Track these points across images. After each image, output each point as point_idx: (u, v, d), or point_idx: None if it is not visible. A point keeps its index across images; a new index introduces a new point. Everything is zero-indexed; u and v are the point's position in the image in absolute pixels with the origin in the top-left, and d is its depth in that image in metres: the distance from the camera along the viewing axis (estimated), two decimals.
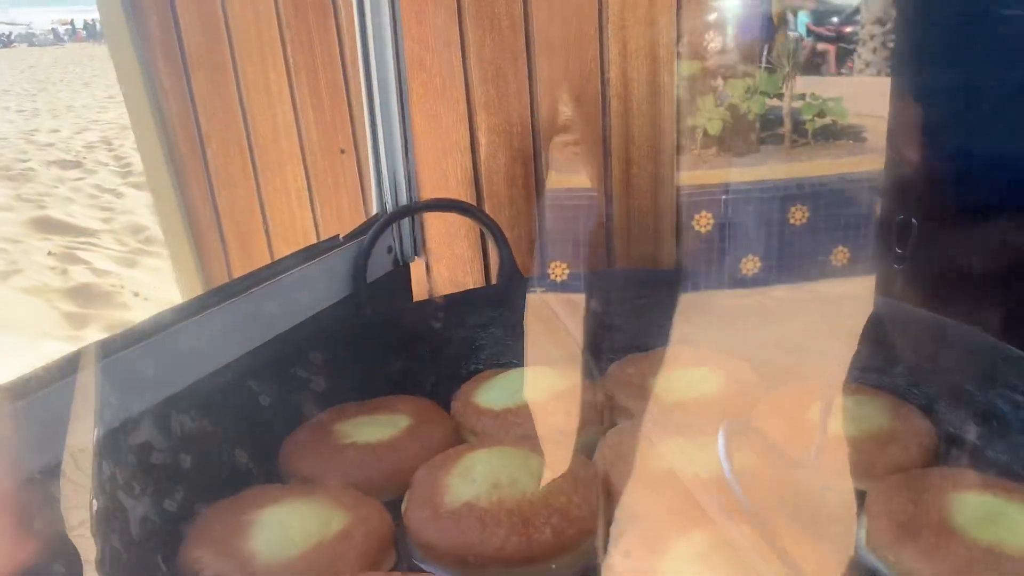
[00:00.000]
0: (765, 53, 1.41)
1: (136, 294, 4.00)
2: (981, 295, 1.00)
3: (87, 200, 6.01)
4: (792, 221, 1.34)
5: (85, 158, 7.69)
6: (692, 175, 1.33)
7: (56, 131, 9.42)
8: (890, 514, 0.74)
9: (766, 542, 0.68)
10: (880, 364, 1.00)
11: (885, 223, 1.16)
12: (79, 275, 4.24)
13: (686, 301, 1.23)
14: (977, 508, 0.74)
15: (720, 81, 1.33)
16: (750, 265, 1.34)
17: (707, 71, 1.31)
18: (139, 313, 3.67)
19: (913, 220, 1.12)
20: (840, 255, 1.36)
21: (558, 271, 1.29)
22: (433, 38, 1.31)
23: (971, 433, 0.89)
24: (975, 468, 0.85)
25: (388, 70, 1.15)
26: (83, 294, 3.97)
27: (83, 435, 0.70)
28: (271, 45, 1.44)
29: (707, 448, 0.85)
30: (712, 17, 1.33)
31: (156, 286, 4.07)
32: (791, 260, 1.35)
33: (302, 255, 1.04)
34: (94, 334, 3.40)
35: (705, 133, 1.32)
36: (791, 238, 1.34)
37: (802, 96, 1.38)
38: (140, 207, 5.67)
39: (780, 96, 1.38)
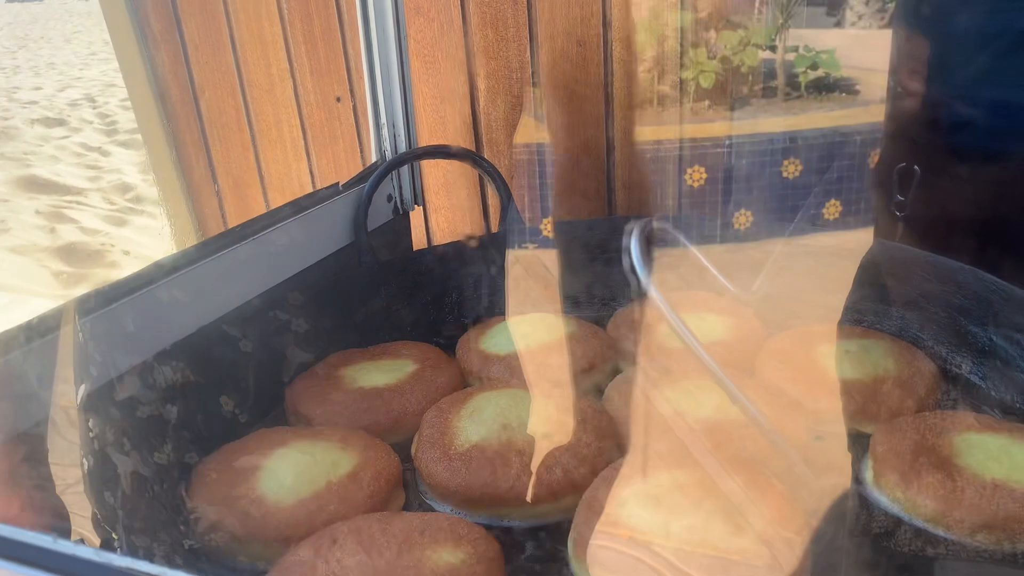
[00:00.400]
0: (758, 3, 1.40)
1: (126, 252, 3.98)
2: (982, 238, 1.00)
3: (73, 158, 5.94)
4: (785, 175, 1.33)
5: (69, 116, 7.59)
6: (683, 129, 1.32)
7: (39, 88, 9.27)
8: (897, 455, 0.75)
9: (739, 484, 0.69)
10: (882, 307, 1.00)
11: (886, 171, 1.16)
12: (68, 234, 4.21)
13: (676, 255, 1.22)
14: (982, 447, 0.75)
15: (713, 33, 1.31)
16: (742, 219, 1.34)
17: (699, 23, 1.30)
18: (129, 272, 3.65)
19: (915, 167, 1.12)
20: (832, 208, 1.36)
21: (550, 227, 1.28)
22: None
23: (975, 373, 0.90)
24: (979, 407, 0.86)
25: (387, 15, 1.12)
26: (72, 253, 3.95)
27: (79, 386, 0.70)
28: None
29: (705, 392, 0.85)
30: None
31: (146, 244, 4.05)
32: (784, 214, 1.36)
33: (303, 203, 1.03)
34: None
35: (698, 86, 1.31)
36: (784, 192, 1.34)
37: (795, 48, 1.37)
38: (127, 166, 5.62)
39: (773, 48, 1.37)
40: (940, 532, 0.69)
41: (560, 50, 1.26)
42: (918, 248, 1.01)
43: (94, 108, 7.90)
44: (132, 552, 0.65)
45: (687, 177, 1.31)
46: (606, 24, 1.23)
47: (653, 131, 1.31)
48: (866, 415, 0.84)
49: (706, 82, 1.31)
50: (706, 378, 0.89)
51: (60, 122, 7.30)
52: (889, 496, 0.74)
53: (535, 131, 1.33)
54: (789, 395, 0.87)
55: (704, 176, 1.32)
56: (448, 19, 1.30)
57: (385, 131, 1.18)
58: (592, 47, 1.24)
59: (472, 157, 1.21)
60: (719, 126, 1.33)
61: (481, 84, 1.32)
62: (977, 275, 0.89)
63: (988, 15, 1.02)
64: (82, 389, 0.71)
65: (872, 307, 1.01)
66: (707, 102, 1.34)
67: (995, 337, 0.88)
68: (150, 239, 4.11)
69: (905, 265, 0.99)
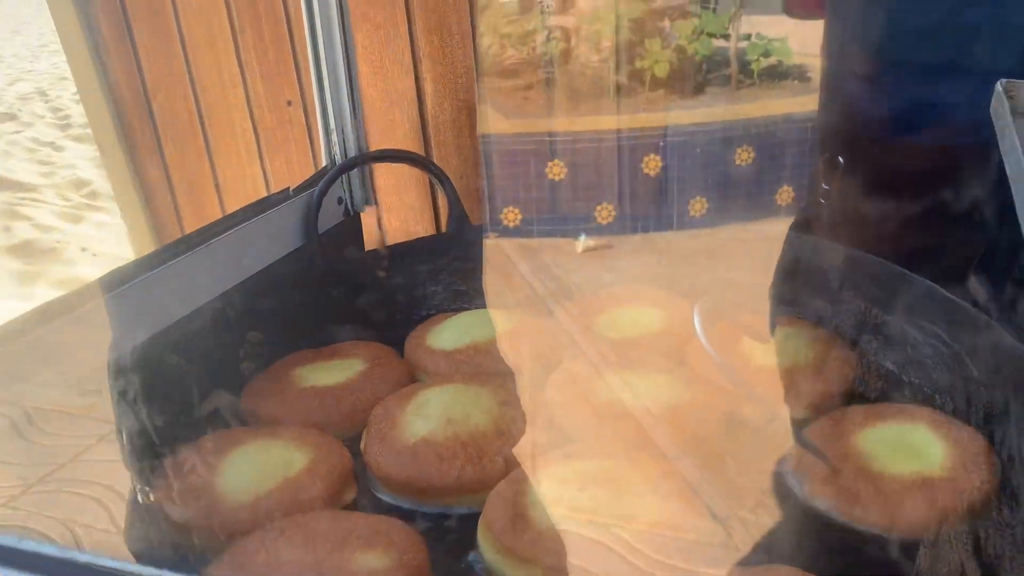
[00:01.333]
0: None
1: (83, 249, 3.94)
2: (898, 231, 1.06)
3: (25, 154, 5.83)
4: (738, 162, 1.38)
5: (20, 110, 7.43)
6: (639, 118, 1.35)
7: None
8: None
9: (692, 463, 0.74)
10: (804, 298, 1.06)
11: (816, 160, 1.21)
12: (22, 231, 4.15)
13: (634, 243, 1.27)
14: (883, 438, 0.80)
15: (667, 22, 1.35)
16: (698, 207, 1.38)
17: (653, 12, 1.33)
18: (87, 269, 3.62)
19: (839, 158, 1.16)
20: (785, 194, 1.41)
21: (511, 216, 1.32)
22: None
23: (889, 361, 0.96)
24: (893, 392, 0.92)
25: (332, 23, 1.15)
26: (28, 251, 3.90)
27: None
28: None
29: (643, 381, 0.91)
30: None
31: (103, 241, 4.01)
32: (737, 201, 1.40)
33: (254, 208, 1.06)
34: (43, 291, 3.36)
35: (653, 76, 1.35)
36: (737, 179, 1.39)
37: (748, 36, 1.40)
38: (82, 161, 5.53)
39: (726, 37, 1.41)
40: (852, 524, 0.75)
41: (498, 51, 1.30)
42: (838, 238, 1.06)
43: (46, 102, 7.74)
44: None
45: (643, 166, 1.35)
46: (548, 28, 1.27)
47: (607, 120, 1.34)
48: (790, 401, 0.90)
49: (660, 72, 1.34)
50: (643, 368, 0.95)
51: (11, 116, 7.15)
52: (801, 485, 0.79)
53: (483, 123, 1.36)
54: (717, 383, 0.93)
55: (660, 164, 1.35)
56: (394, 25, 1.33)
57: (335, 136, 1.21)
58: (533, 52, 1.28)
59: (420, 161, 1.25)
60: (674, 115, 1.37)
61: (428, 88, 1.36)
62: (887, 267, 0.96)
63: (903, 8, 1.07)
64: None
65: (797, 298, 1.07)
66: (662, 91, 1.37)
67: (905, 325, 0.94)
68: (107, 235, 4.07)
69: (824, 256, 1.05)
